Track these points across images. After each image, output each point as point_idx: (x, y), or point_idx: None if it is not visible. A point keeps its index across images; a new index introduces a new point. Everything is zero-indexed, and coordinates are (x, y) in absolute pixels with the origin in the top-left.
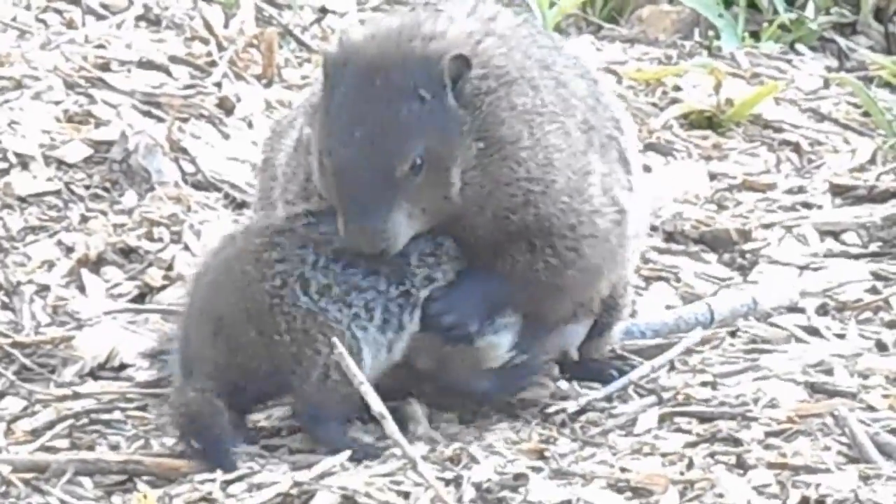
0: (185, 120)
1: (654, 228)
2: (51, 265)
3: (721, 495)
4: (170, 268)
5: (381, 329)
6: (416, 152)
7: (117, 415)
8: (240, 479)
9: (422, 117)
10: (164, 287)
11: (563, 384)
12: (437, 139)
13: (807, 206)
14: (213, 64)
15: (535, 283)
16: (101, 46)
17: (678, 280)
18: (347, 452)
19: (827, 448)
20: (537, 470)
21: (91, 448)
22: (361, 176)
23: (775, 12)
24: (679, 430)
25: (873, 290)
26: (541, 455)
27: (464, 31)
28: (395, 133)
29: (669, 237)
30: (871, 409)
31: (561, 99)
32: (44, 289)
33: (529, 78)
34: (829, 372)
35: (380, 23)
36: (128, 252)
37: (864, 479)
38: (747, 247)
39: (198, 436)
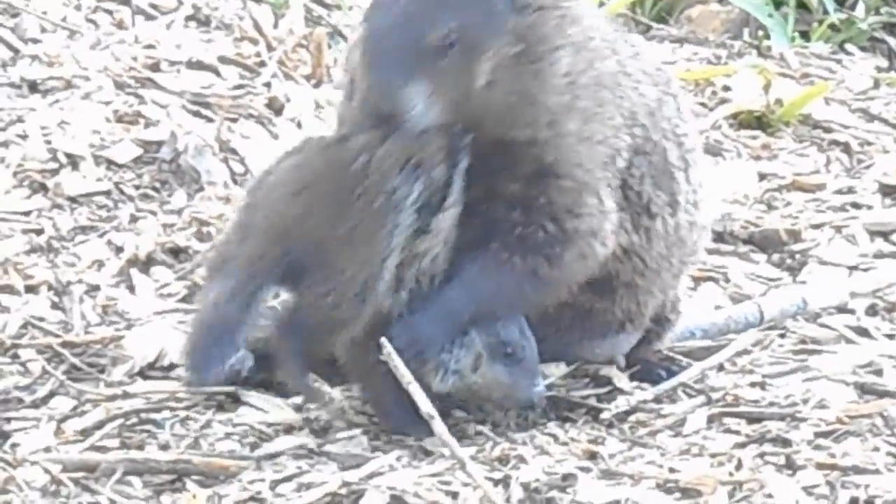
0: (234, 120)
1: None
2: (100, 265)
3: (770, 496)
4: None
5: None
6: (449, 26)
7: (167, 414)
8: (288, 479)
9: (462, 2)
10: None
11: (616, 383)
12: (476, 22)
13: (856, 206)
14: (262, 64)
15: (520, 267)
16: (150, 47)
17: (727, 280)
18: (396, 452)
19: (876, 449)
20: (586, 470)
21: (140, 447)
22: (388, 41)
23: (825, 12)
24: (728, 430)
25: None
26: (590, 455)
27: None
28: (430, 7)
29: (719, 237)
30: None
31: (615, 82)
32: (93, 289)
33: (588, 39)
34: (879, 372)
35: None
36: (177, 252)
37: None
38: (797, 247)
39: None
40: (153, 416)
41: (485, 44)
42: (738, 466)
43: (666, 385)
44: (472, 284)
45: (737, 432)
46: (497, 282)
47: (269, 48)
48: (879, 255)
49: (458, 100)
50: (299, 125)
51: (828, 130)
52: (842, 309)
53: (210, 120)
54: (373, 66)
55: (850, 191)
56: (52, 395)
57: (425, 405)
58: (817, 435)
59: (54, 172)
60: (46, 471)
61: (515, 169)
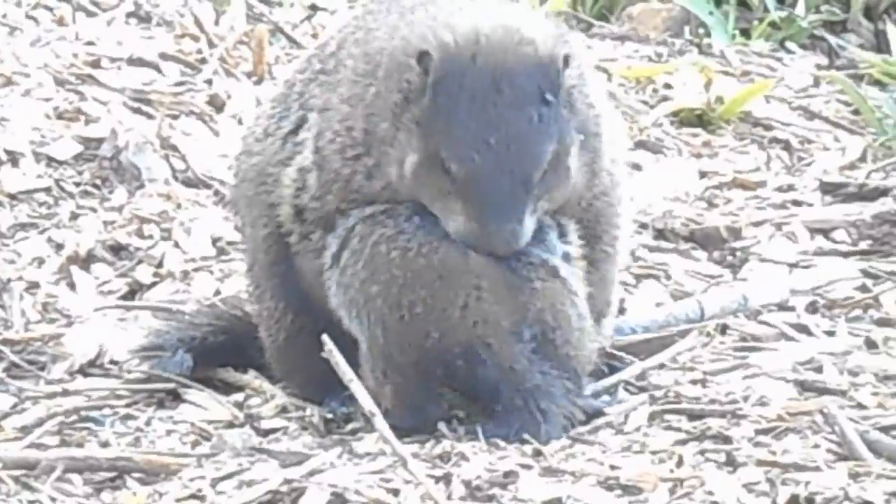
0: (175, 117)
1: (643, 226)
2: (41, 262)
3: (710, 493)
4: (160, 265)
5: None
6: (548, 157)
7: (107, 411)
8: (229, 476)
9: (549, 121)
10: (153, 284)
11: None
12: (560, 140)
13: (797, 203)
14: (203, 61)
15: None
16: (91, 43)
17: (668, 278)
18: (337, 450)
19: (816, 446)
20: (527, 467)
21: (81, 445)
22: (500, 182)
23: (766, 10)
24: (669, 427)
25: (863, 288)
26: (532, 453)
27: (549, 31)
28: (532, 139)
29: (659, 235)
30: (861, 406)
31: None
32: (34, 286)
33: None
34: (819, 370)
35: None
36: (118, 249)
37: (854, 476)
38: (737, 244)
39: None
40: (93, 413)
41: (568, 155)
42: (679, 463)
43: (606, 382)
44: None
45: (678, 429)
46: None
47: (211, 45)
48: (820, 253)
49: (551, 204)
50: (240, 122)
51: (768, 128)
52: (782, 306)
53: (151, 117)
54: (487, 214)
55: (791, 188)
56: None
57: (367, 403)
58: (758, 432)
59: None
60: None
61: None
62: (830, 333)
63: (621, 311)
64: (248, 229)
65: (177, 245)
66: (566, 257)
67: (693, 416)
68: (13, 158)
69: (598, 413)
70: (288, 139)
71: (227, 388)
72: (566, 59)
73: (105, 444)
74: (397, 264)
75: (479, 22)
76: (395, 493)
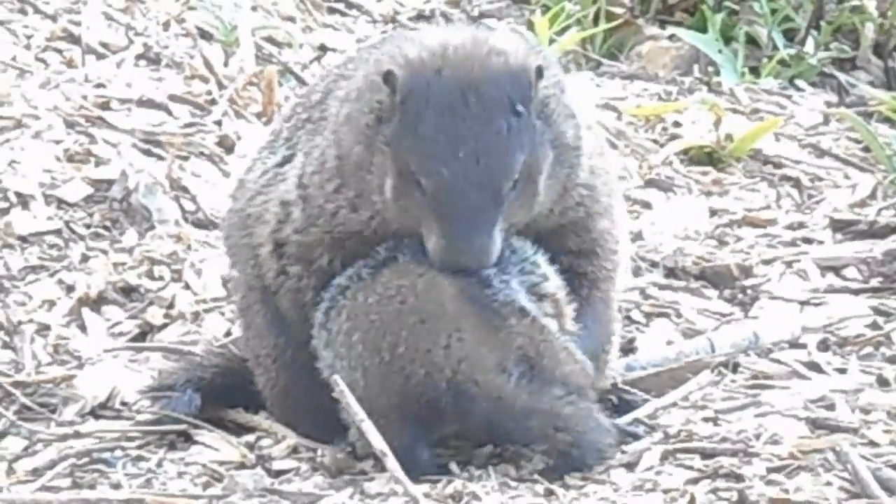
0: (185, 158)
1: (654, 264)
2: (51, 304)
3: None
4: (170, 306)
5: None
6: (517, 168)
7: (119, 453)
8: None
9: (520, 132)
10: (164, 325)
11: None
12: (531, 153)
13: (807, 241)
14: (213, 102)
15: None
16: (100, 85)
17: (679, 316)
18: (349, 490)
19: (829, 484)
20: None
21: (93, 487)
22: (468, 195)
23: (775, 48)
24: (681, 465)
25: (874, 326)
26: (545, 492)
27: (521, 44)
28: (501, 151)
29: (670, 273)
30: (873, 444)
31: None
32: (44, 328)
33: (565, 87)
34: (831, 407)
35: (425, 40)
36: (128, 291)
37: None
38: (748, 282)
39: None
40: (105, 455)
41: (538, 169)
42: (691, 502)
43: (620, 420)
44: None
45: (690, 467)
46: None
47: (220, 86)
48: (830, 290)
49: (519, 218)
50: None
51: (778, 166)
52: (793, 344)
53: (161, 158)
54: (455, 229)
55: (801, 226)
56: (3, 434)
57: (378, 442)
58: (770, 470)
59: (4, 212)
60: None
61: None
62: (842, 371)
63: (632, 349)
64: (239, 276)
65: (187, 286)
66: (535, 292)
67: (705, 454)
68: (23, 201)
69: (634, 435)
70: (270, 170)
71: (238, 430)
72: (539, 71)
73: (117, 486)
74: (375, 310)
75: (449, 37)
76: None
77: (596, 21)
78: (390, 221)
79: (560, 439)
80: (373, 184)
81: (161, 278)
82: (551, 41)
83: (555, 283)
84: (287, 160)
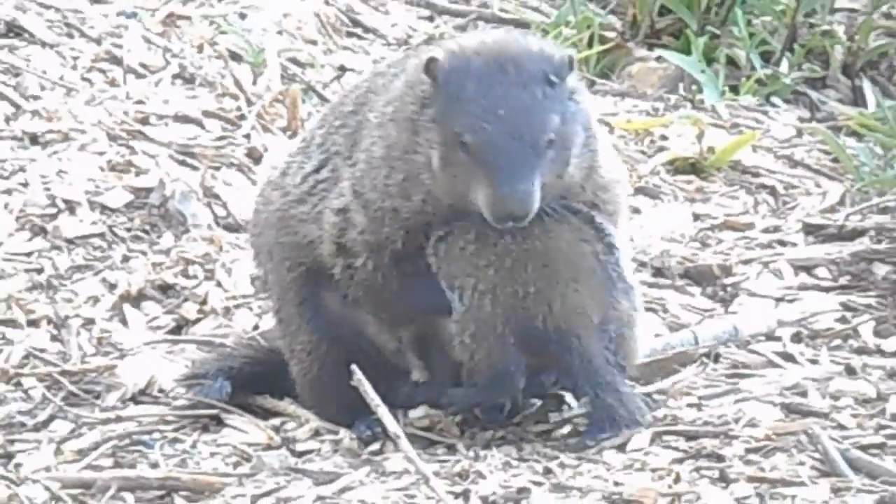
0: (217, 168)
1: (643, 264)
2: (96, 301)
3: None
4: (204, 302)
5: None
6: (553, 127)
7: (156, 435)
8: (268, 493)
9: (553, 98)
10: (198, 320)
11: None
12: (563, 121)
13: (782, 243)
14: (242, 118)
15: None
16: (140, 102)
17: (666, 311)
18: (366, 469)
19: (802, 463)
20: (539, 484)
21: (133, 466)
22: (510, 146)
23: (752, 68)
24: (667, 447)
25: (843, 320)
26: (543, 471)
27: (548, 43)
28: (537, 109)
29: (657, 272)
30: (842, 427)
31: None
32: (89, 322)
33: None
34: (804, 394)
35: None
36: (165, 288)
37: (836, 491)
38: (728, 281)
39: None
40: (144, 437)
41: (570, 139)
42: (677, 480)
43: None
44: None
45: (675, 448)
46: None
47: (249, 103)
48: (803, 288)
49: (551, 185)
50: None
51: (756, 175)
52: (769, 336)
53: (195, 168)
54: (501, 178)
55: (776, 230)
56: (51, 419)
57: (392, 426)
58: (748, 451)
59: (53, 217)
60: (47, 488)
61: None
62: (814, 361)
63: None
64: (273, 275)
65: (219, 284)
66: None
67: (689, 436)
68: (70, 207)
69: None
70: (309, 177)
71: (265, 414)
72: (571, 60)
73: (155, 465)
74: (509, 242)
75: (484, 35)
76: None
77: (590, 44)
78: (441, 198)
79: (611, 405)
80: (420, 162)
81: (195, 277)
82: None
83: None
84: (322, 164)
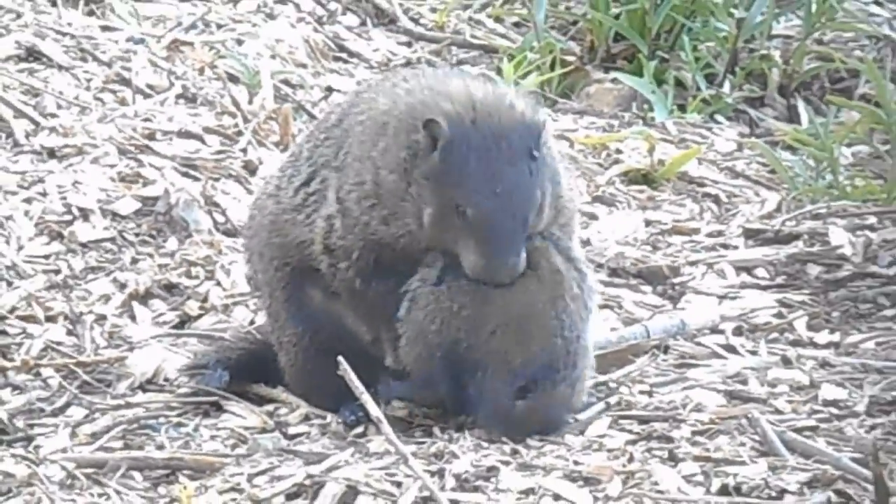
0: (216, 179)
1: (600, 266)
2: (107, 298)
3: (656, 483)
4: (205, 300)
5: None
6: (537, 202)
7: (162, 420)
8: (263, 472)
9: (536, 172)
10: (200, 316)
11: None
12: (542, 187)
13: (725, 246)
14: (239, 133)
15: None
16: (147, 120)
17: (620, 307)
18: (351, 450)
19: (742, 444)
20: (506, 463)
21: (141, 448)
22: (504, 223)
23: (698, 89)
24: (622, 430)
25: (779, 315)
26: (511, 451)
27: (526, 99)
28: (527, 187)
29: (613, 272)
30: (779, 412)
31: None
32: (101, 318)
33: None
34: (745, 382)
35: (452, 90)
36: (170, 287)
37: (773, 469)
38: (676, 280)
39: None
40: (151, 422)
41: (545, 199)
42: (631, 459)
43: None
44: None
45: (629, 431)
46: None
47: (245, 120)
48: (744, 286)
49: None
50: None
51: (701, 185)
52: (714, 330)
53: (197, 179)
54: (494, 250)
55: (720, 234)
56: (67, 405)
57: (374, 410)
58: (694, 433)
59: (69, 223)
60: (63, 468)
61: None
62: (753, 352)
63: None
64: (262, 274)
65: (218, 284)
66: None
67: (642, 420)
68: (84, 214)
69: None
70: (300, 189)
71: (260, 400)
72: (544, 123)
73: (161, 447)
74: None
75: (471, 91)
76: (399, 485)
77: (552, 67)
78: (419, 240)
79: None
80: (407, 209)
81: (197, 277)
82: (516, 83)
83: None
84: (312, 176)
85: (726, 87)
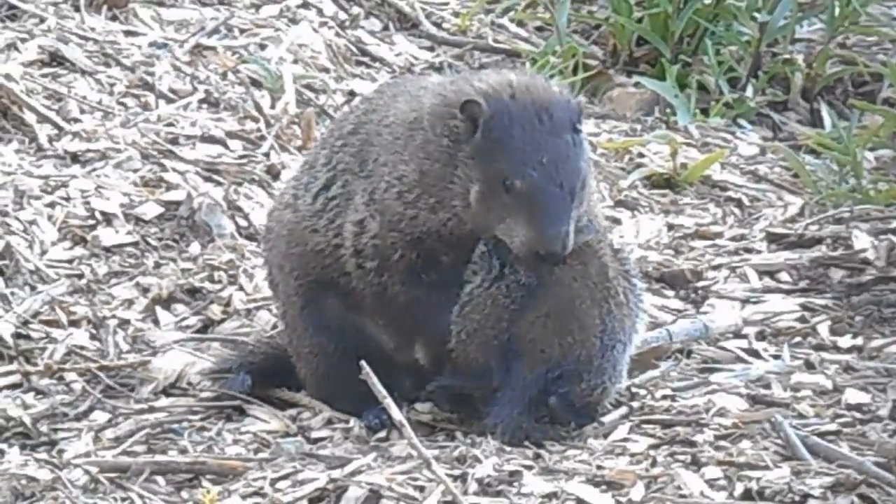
0: (239, 184)
1: None
2: (130, 303)
3: (679, 488)
4: (227, 304)
5: None
6: (583, 174)
7: (185, 424)
8: (285, 476)
9: (578, 145)
10: (222, 320)
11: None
12: (585, 163)
13: (748, 251)
14: (262, 138)
15: None
16: (170, 124)
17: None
18: (373, 455)
19: (766, 448)
20: (529, 468)
21: (164, 452)
22: (552, 193)
23: (721, 93)
24: (645, 434)
25: (802, 320)
26: (533, 456)
27: (558, 86)
28: (572, 158)
29: None
30: (802, 416)
31: None
32: (125, 322)
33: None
34: (768, 386)
35: (485, 78)
36: (193, 292)
37: (796, 473)
38: (699, 284)
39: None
40: (174, 426)
41: (587, 175)
42: (653, 464)
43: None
44: None
45: (652, 435)
46: None
47: (268, 125)
48: (767, 291)
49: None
50: None
51: (724, 189)
52: (737, 334)
53: (220, 184)
54: (545, 221)
55: (743, 238)
56: (91, 409)
57: (397, 414)
58: (717, 437)
59: (92, 228)
60: (87, 472)
61: None
62: (776, 357)
63: None
64: (282, 285)
65: (241, 288)
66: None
67: (665, 424)
68: (107, 219)
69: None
70: (320, 195)
71: (282, 405)
72: (582, 104)
73: (184, 451)
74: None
75: (504, 73)
76: (421, 489)
77: (575, 71)
78: (465, 222)
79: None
80: (454, 191)
81: (220, 282)
82: None
83: None
84: (331, 181)
85: (749, 91)
